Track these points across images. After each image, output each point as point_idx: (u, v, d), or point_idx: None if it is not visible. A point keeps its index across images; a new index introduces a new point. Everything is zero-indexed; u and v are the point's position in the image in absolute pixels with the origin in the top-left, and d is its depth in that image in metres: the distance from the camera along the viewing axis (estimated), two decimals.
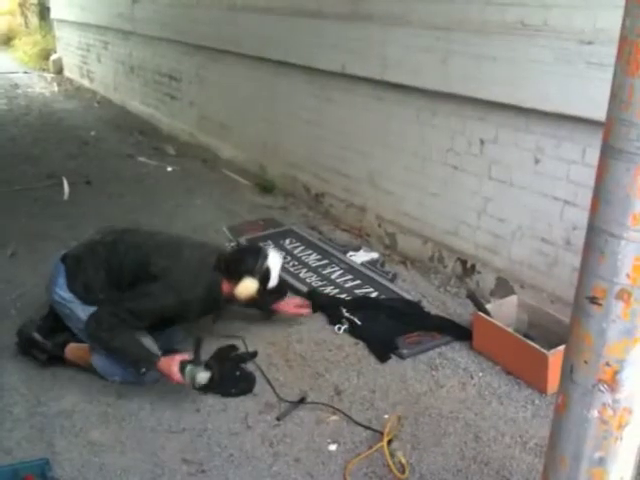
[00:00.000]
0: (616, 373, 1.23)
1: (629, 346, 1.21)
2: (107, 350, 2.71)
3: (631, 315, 1.19)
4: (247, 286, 2.81)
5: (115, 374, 2.80)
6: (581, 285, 1.26)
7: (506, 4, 3.25)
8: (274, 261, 2.88)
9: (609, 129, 1.16)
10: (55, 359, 2.92)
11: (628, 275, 1.17)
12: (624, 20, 1.09)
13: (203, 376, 2.59)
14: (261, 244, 4.25)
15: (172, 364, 2.59)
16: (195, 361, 2.62)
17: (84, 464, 2.37)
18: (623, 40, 1.10)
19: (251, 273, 2.80)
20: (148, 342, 2.77)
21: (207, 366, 2.63)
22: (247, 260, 2.84)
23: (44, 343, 2.93)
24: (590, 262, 1.22)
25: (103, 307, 2.73)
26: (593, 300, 1.20)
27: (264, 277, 2.84)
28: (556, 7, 3.01)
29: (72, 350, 2.90)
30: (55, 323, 3.06)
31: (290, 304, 3.28)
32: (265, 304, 3.17)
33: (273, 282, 2.89)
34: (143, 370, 2.66)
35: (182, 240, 3.05)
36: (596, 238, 1.20)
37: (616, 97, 1.13)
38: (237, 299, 2.88)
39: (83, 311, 2.80)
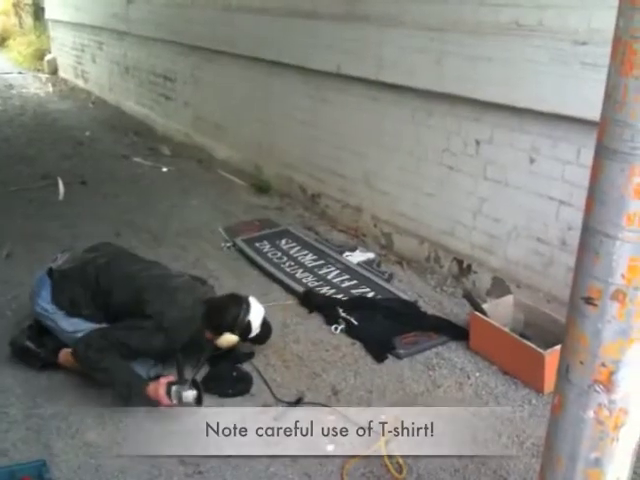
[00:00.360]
0: (612, 374, 1.22)
1: (624, 347, 1.21)
2: (95, 372, 2.67)
3: (626, 315, 1.19)
4: (227, 339, 2.86)
5: None
6: (576, 286, 1.26)
7: (500, 5, 3.26)
8: (255, 311, 2.89)
9: (603, 129, 1.16)
10: (50, 365, 2.91)
11: (623, 275, 1.16)
12: (618, 20, 1.09)
13: (189, 395, 2.59)
14: (257, 244, 4.28)
15: (159, 388, 2.59)
16: (180, 381, 2.63)
17: (80, 465, 2.36)
18: (617, 40, 1.09)
19: (231, 329, 2.84)
20: (140, 367, 2.78)
21: (193, 383, 2.65)
22: (228, 315, 2.84)
23: (37, 351, 2.93)
24: (585, 263, 1.22)
25: (94, 331, 2.72)
26: (588, 301, 1.19)
27: (245, 331, 2.87)
28: (551, 7, 3.02)
29: (65, 356, 2.88)
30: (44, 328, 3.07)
31: None
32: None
33: (254, 333, 2.92)
34: (132, 399, 2.65)
35: (176, 280, 2.99)
36: (591, 239, 1.19)
37: (610, 97, 1.12)
38: (218, 346, 2.91)
39: (67, 321, 2.84)
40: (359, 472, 2.35)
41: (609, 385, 1.22)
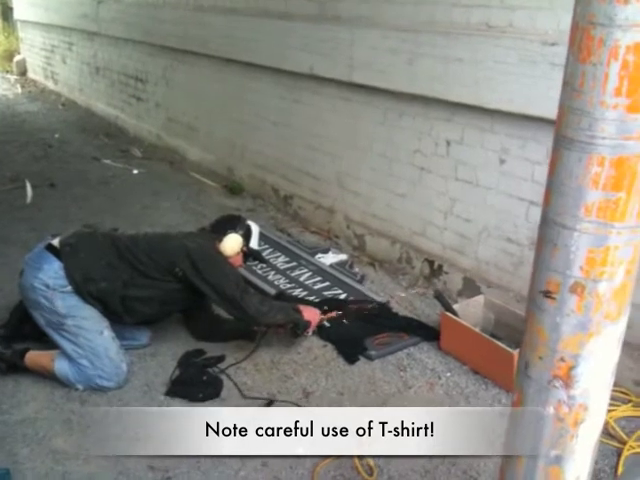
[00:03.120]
0: (571, 369, 1.20)
1: (583, 341, 1.19)
2: (275, 320, 2.95)
3: (585, 309, 1.17)
4: (232, 239, 3.06)
5: (78, 381, 2.75)
6: (535, 279, 1.23)
7: (472, 6, 3.27)
8: (253, 224, 3.23)
9: (561, 118, 1.14)
10: (16, 367, 2.84)
11: (581, 268, 1.14)
12: (575, 7, 1.07)
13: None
14: None
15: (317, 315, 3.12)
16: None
17: (47, 472, 2.31)
18: (574, 27, 1.07)
19: (234, 229, 3.09)
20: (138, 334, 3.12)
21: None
22: (230, 219, 3.21)
23: (3, 352, 2.85)
24: (543, 255, 1.19)
25: (247, 298, 2.88)
26: (547, 294, 1.17)
27: (247, 233, 3.13)
28: (521, 9, 3.03)
29: (32, 358, 2.83)
30: (15, 332, 3.01)
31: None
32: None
33: (254, 241, 3.17)
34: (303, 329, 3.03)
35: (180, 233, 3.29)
36: (549, 230, 1.17)
37: (568, 85, 1.10)
38: (225, 253, 3.06)
39: (63, 302, 2.73)
40: (330, 475, 2.32)
41: (568, 380, 1.20)
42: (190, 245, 2.91)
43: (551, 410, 1.24)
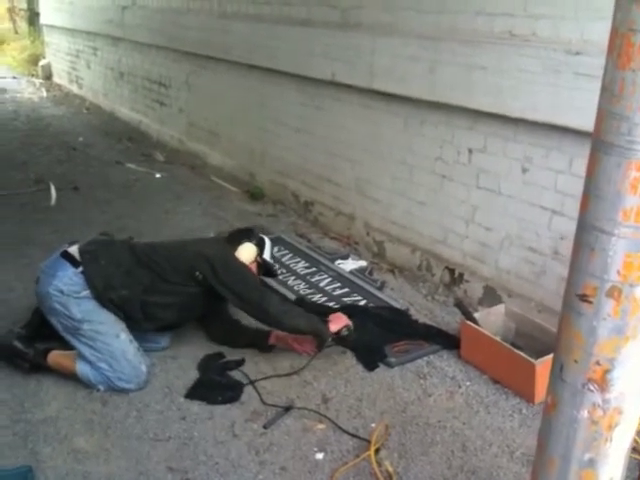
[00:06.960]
0: (606, 372, 1.20)
1: (620, 345, 1.19)
2: (296, 323, 2.93)
3: (622, 313, 1.17)
4: (247, 247, 3.12)
5: (99, 383, 2.77)
6: (571, 283, 1.23)
7: (495, 14, 3.27)
8: (266, 237, 3.30)
9: (599, 123, 1.14)
10: (39, 367, 2.87)
11: (619, 272, 1.14)
12: (615, 13, 1.07)
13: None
14: None
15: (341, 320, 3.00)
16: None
17: (68, 472, 2.32)
18: (614, 33, 1.07)
19: (249, 239, 3.16)
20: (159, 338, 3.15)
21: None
22: (244, 230, 3.32)
23: (25, 352, 2.88)
24: (580, 259, 1.20)
25: (267, 298, 2.90)
26: (583, 298, 1.17)
27: (260, 243, 3.19)
28: (544, 18, 3.03)
29: (54, 358, 2.86)
30: (37, 332, 3.03)
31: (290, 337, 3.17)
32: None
33: (268, 252, 3.22)
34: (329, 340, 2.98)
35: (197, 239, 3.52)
36: (586, 235, 1.17)
37: (607, 91, 1.10)
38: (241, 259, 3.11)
39: (78, 307, 2.76)
40: None
41: (603, 384, 1.20)
42: (208, 251, 2.96)
43: (585, 414, 1.23)
